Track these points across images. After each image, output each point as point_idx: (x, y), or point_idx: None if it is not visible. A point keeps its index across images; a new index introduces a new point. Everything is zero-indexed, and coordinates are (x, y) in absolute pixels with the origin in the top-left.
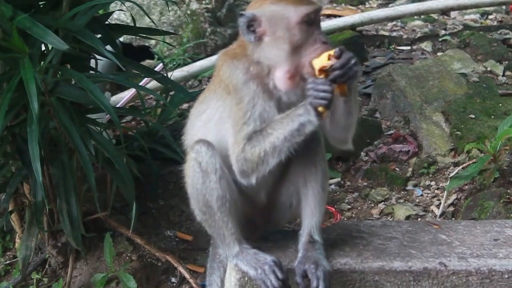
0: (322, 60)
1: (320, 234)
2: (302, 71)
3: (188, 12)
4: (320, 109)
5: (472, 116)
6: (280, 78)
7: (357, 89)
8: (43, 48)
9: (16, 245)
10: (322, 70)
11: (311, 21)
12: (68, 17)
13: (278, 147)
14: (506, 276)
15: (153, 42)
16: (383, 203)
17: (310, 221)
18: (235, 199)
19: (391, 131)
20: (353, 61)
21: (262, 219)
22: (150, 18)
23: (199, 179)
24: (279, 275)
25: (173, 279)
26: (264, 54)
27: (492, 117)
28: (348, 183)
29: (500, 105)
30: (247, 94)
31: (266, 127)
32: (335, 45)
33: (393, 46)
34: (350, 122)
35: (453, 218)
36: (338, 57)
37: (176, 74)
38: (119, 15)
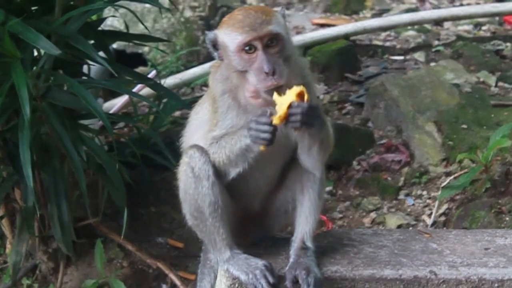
0: (285, 100)
1: (312, 241)
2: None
3: (182, 19)
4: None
5: (464, 126)
6: (246, 96)
7: (324, 128)
8: (35, 53)
9: (7, 250)
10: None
11: (252, 49)
12: (60, 22)
13: (233, 160)
14: (496, 285)
15: (146, 49)
16: (374, 212)
17: (304, 227)
18: (227, 205)
19: (384, 141)
20: (314, 113)
21: (255, 225)
22: (143, 25)
23: (192, 184)
24: (270, 279)
25: (164, 286)
26: (227, 72)
27: (484, 127)
28: (340, 191)
29: (492, 115)
30: (222, 105)
31: (222, 139)
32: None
33: (387, 56)
34: (313, 158)
35: (445, 228)
36: (294, 107)
37: (169, 81)
38: (112, 22)
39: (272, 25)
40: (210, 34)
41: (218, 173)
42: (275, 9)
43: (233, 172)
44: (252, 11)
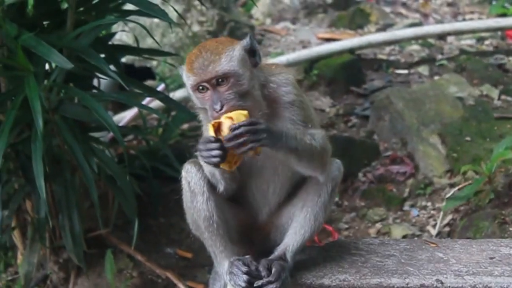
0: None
1: (293, 257)
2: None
3: (190, 34)
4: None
5: (468, 138)
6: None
7: (286, 138)
8: (46, 67)
9: (18, 261)
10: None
11: (203, 89)
12: (72, 37)
13: (212, 178)
14: None
15: (154, 63)
16: (380, 223)
17: (288, 240)
18: (227, 219)
19: (389, 153)
20: (257, 128)
21: (261, 237)
22: (153, 38)
23: (188, 197)
24: (243, 269)
25: None
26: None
27: (488, 139)
28: (346, 203)
29: (496, 128)
30: (202, 119)
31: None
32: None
33: (391, 69)
34: (303, 168)
35: (449, 238)
36: (233, 129)
37: (177, 94)
38: (121, 36)
39: (219, 66)
40: (180, 68)
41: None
42: (280, 25)
43: (219, 188)
44: (204, 51)
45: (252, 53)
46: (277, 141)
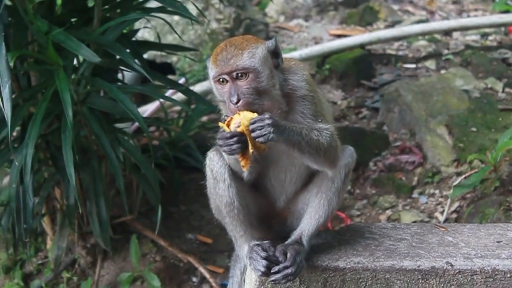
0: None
1: (308, 241)
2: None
3: (208, 31)
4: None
5: (474, 129)
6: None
7: (289, 133)
8: (74, 62)
9: (48, 246)
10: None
11: (223, 81)
12: (99, 33)
13: (234, 166)
14: (508, 275)
15: (174, 59)
16: (390, 209)
17: (304, 225)
18: (247, 204)
19: (398, 143)
20: (262, 124)
21: (279, 222)
22: (177, 33)
23: (211, 184)
24: (262, 254)
25: (194, 279)
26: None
27: (493, 130)
28: (357, 191)
29: (500, 119)
30: (223, 113)
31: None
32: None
33: (400, 64)
34: (310, 162)
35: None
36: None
37: (196, 88)
38: (143, 34)
39: (240, 60)
40: (207, 61)
41: (237, 174)
42: (294, 23)
43: (243, 175)
44: (229, 45)
45: (275, 55)
46: (280, 135)
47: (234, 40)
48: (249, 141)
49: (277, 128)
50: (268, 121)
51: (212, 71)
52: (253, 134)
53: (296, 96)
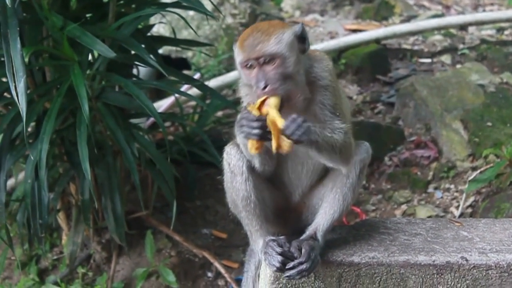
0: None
1: (323, 237)
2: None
3: (223, 26)
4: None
5: (489, 124)
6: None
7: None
8: (89, 57)
9: (63, 241)
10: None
11: (250, 66)
12: (114, 28)
13: (246, 154)
14: None
15: (190, 54)
16: (405, 204)
17: (319, 220)
18: (263, 199)
19: (413, 138)
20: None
21: (294, 217)
22: (192, 29)
23: (228, 178)
24: (278, 249)
25: (209, 274)
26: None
27: (508, 125)
28: (373, 185)
29: None
30: (244, 95)
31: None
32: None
33: (415, 58)
34: (325, 160)
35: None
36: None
37: (211, 83)
38: (158, 29)
39: (268, 46)
40: (234, 45)
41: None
42: (309, 17)
43: (255, 165)
44: (256, 31)
45: (301, 40)
46: (308, 136)
47: (260, 25)
48: (274, 137)
49: (309, 129)
50: (301, 121)
51: (239, 57)
52: (287, 132)
53: (318, 85)
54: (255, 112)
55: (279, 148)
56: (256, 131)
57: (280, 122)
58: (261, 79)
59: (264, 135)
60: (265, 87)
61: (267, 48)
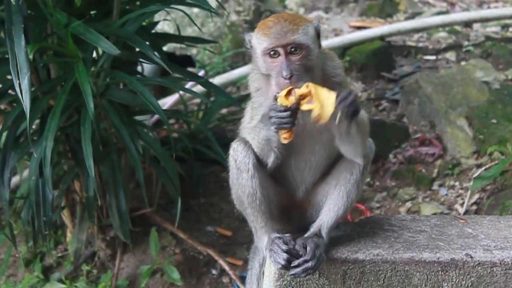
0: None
1: (328, 234)
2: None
3: (228, 23)
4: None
5: (494, 121)
6: (271, 96)
7: (356, 121)
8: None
9: (67, 238)
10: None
11: (276, 54)
12: (118, 25)
13: (262, 149)
14: None
15: (194, 51)
16: (410, 201)
17: (323, 217)
18: (268, 196)
19: (418, 135)
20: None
21: (298, 214)
22: (196, 26)
23: (234, 175)
24: (283, 247)
25: (214, 271)
26: (259, 70)
27: None
28: (377, 183)
29: None
30: (256, 101)
31: (253, 130)
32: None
33: (420, 55)
34: (353, 144)
35: (477, 215)
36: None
37: (216, 81)
38: (163, 26)
39: (297, 35)
40: (247, 36)
41: (260, 165)
42: (314, 14)
43: (268, 162)
44: (282, 19)
45: (318, 36)
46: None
47: (285, 15)
48: (316, 107)
49: (359, 105)
50: (355, 95)
51: (263, 43)
52: (343, 105)
53: (333, 82)
54: (284, 102)
55: (319, 119)
56: (287, 119)
57: (333, 93)
58: (286, 68)
59: (294, 124)
60: (290, 77)
61: (296, 37)
